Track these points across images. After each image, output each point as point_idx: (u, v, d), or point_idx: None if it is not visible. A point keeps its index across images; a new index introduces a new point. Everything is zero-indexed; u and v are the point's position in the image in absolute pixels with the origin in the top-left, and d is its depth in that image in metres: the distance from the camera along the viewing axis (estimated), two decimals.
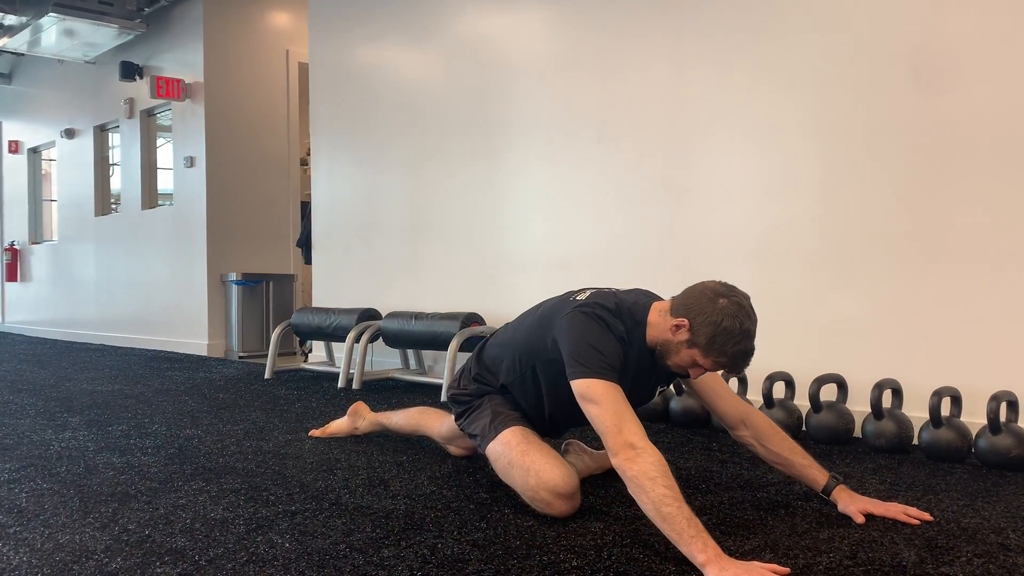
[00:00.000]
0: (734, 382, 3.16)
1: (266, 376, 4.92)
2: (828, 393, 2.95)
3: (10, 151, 9.70)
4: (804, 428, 3.00)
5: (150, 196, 7.50)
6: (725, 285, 1.93)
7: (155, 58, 7.14)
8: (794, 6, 3.28)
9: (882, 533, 1.86)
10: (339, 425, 3.03)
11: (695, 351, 1.91)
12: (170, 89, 6.69)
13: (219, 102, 6.66)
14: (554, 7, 4.18)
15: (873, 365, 3.00)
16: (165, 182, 7.44)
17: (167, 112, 7.19)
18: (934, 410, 2.60)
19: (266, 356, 5.11)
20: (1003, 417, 2.55)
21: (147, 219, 7.43)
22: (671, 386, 3.03)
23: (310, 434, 3.05)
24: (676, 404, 3.24)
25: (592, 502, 2.10)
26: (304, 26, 6.05)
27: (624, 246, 3.84)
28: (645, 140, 3.76)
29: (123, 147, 7.74)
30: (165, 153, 7.45)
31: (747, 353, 1.90)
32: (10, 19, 6.82)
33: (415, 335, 4.36)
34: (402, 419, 2.80)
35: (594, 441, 2.45)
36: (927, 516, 1.96)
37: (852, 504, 1.99)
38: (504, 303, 4.31)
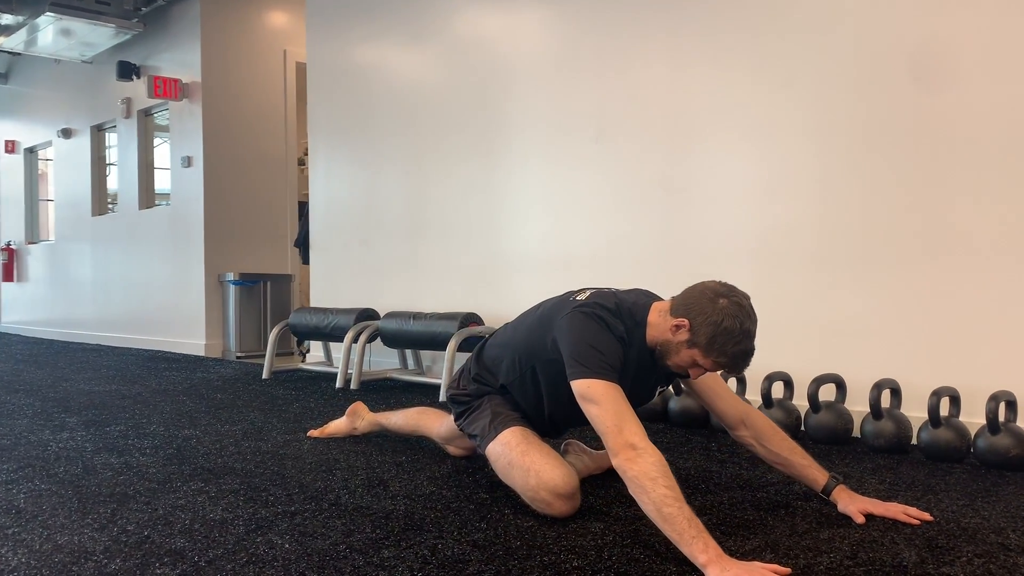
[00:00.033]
0: (733, 382, 3.16)
1: (264, 376, 4.91)
2: (827, 393, 2.96)
3: (7, 151, 9.68)
4: (803, 428, 3.00)
5: (147, 196, 7.49)
6: (725, 285, 1.93)
7: (152, 58, 7.12)
8: (794, 5, 3.28)
9: (882, 533, 1.86)
10: (338, 425, 3.02)
11: (695, 351, 1.91)
12: (167, 89, 6.68)
13: (216, 102, 6.65)
14: (553, 6, 4.18)
15: (872, 365, 3.00)
16: (162, 182, 7.42)
17: (164, 112, 7.17)
18: (933, 410, 2.61)
19: (264, 356, 5.10)
20: (1002, 417, 2.56)
21: (144, 219, 7.42)
22: (670, 386, 3.03)
23: (309, 434, 3.05)
24: (675, 404, 3.24)
25: (592, 502, 2.10)
26: (302, 26, 6.03)
27: (623, 246, 3.84)
28: (644, 139, 3.76)
29: (120, 147, 7.72)
30: (162, 153, 7.44)
31: (747, 353, 1.90)
32: (7, 18, 6.80)
33: (413, 335, 4.36)
34: (401, 419, 2.80)
35: (594, 441, 2.45)
36: (927, 516, 1.96)
37: (852, 504, 1.99)
38: (503, 303, 4.30)
